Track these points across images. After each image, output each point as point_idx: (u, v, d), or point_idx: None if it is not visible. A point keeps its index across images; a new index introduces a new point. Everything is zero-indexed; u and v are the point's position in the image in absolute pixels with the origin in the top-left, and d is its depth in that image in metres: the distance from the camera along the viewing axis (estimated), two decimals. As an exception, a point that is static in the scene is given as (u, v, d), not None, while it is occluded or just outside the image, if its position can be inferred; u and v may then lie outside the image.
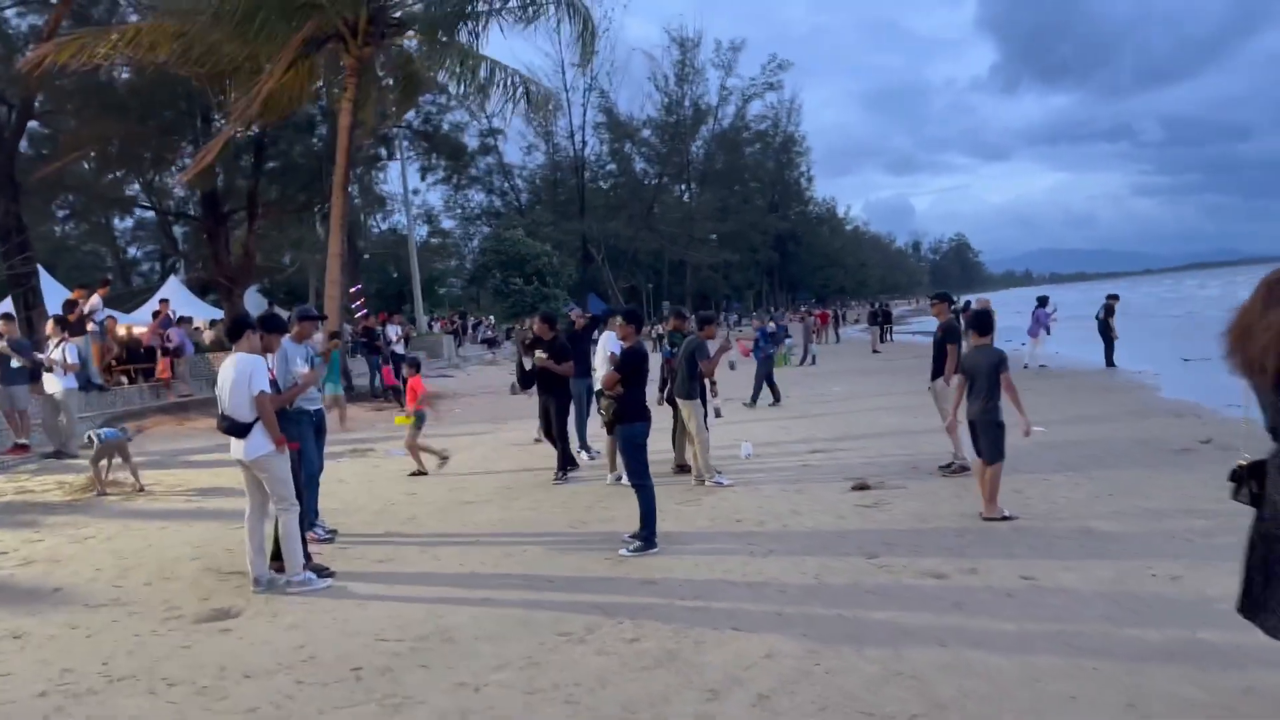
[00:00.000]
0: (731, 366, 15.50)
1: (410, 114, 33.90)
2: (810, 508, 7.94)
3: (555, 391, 10.07)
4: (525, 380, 10.55)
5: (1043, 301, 21.95)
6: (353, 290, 31.95)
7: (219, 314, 26.69)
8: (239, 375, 6.04)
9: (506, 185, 67.16)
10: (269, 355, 6.50)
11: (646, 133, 69.55)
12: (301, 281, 44.46)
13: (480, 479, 10.33)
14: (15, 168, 20.18)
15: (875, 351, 31.61)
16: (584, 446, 11.33)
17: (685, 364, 9.07)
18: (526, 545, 7.10)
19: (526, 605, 5.58)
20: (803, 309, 52.67)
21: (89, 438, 9.69)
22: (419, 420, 10.87)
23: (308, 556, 6.38)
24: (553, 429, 10.06)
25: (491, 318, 49.70)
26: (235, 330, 6.25)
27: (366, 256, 47.19)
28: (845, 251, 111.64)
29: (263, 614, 5.61)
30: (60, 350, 11.89)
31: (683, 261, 69.99)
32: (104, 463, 9.79)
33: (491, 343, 44.07)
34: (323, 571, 6.36)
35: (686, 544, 6.91)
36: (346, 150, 19.44)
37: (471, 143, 52.89)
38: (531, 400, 10.88)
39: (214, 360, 20.43)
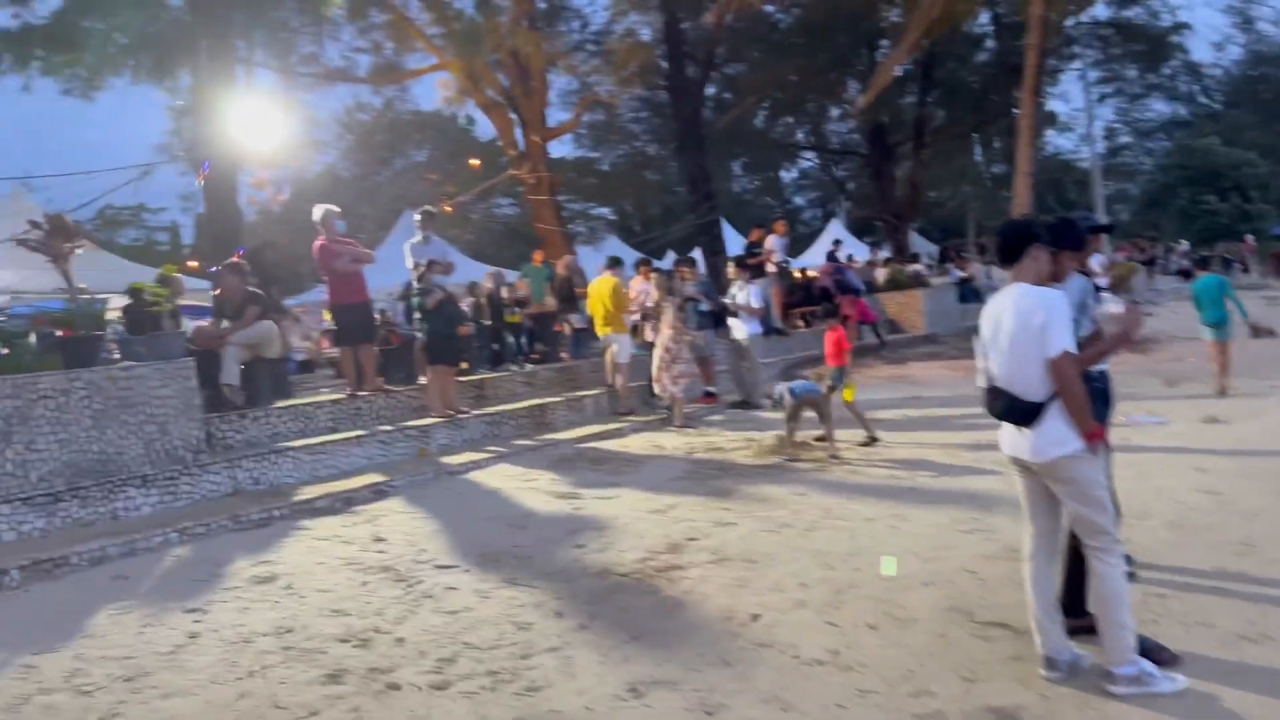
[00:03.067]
0: None
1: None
2: None
3: None
4: None
5: None
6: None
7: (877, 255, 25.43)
8: (1021, 322, 3.59)
9: (1195, 88, 55.85)
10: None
11: None
12: (958, 219, 41.95)
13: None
14: (701, 122, 21.02)
15: None
16: None
17: None
18: None
19: None
20: None
21: (778, 394, 8.34)
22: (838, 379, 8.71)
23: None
24: None
25: (1184, 243, 41.31)
26: (1013, 245, 3.71)
27: (1029, 184, 42.70)
28: None
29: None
30: (744, 293, 11.06)
31: None
32: (796, 422, 8.42)
33: (1186, 274, 36.57)
34: (1161, 656, 3.68)
35: None
36: (1039, 48, 16.24)
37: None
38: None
39: (885, 302, 18.95)
